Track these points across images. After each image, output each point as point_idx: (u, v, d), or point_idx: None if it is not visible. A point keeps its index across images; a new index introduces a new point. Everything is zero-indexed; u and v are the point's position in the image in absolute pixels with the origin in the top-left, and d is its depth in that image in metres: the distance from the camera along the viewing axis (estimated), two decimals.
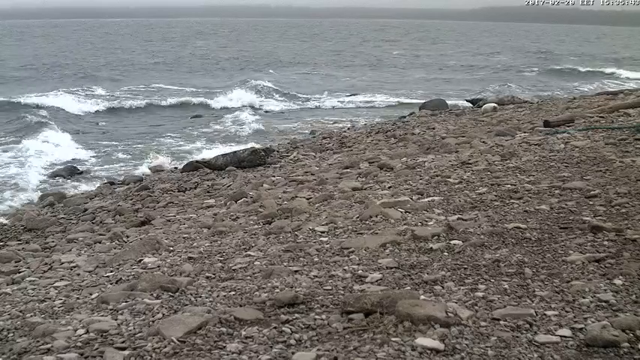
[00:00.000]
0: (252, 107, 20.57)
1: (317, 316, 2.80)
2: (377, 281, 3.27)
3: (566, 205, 4.50)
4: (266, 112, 20.28)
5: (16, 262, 5.37)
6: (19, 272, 4.88)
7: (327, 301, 3.00)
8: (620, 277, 3.02)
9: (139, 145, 13.97)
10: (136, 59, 39.57)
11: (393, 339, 2.47)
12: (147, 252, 4.66)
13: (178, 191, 8.73)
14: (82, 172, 11.45)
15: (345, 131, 13.20)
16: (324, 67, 36.01)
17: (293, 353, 2.44)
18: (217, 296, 3.26)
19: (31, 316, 3.29)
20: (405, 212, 4.74)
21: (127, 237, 5.82)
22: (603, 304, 2.73)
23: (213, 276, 3.73)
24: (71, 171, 11.40)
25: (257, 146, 11.04)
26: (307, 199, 5.98)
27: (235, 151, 10.60)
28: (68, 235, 6.51)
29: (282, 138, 14.03)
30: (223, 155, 10.56)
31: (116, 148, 13.74)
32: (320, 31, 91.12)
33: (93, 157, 12.93)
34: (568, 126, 8.77)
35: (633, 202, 4.41)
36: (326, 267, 3.62)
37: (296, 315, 2.84)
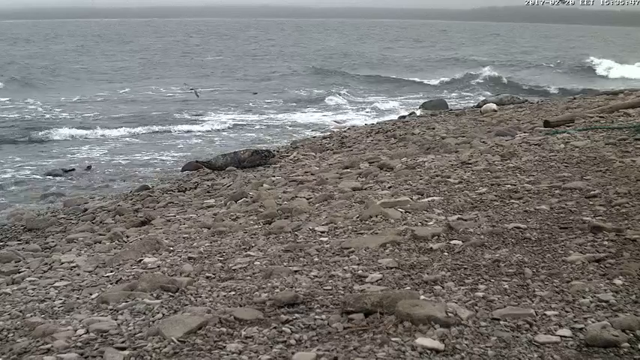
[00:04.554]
0: None
1: (317, 316, 2.80)
2: (377, 281, 3.27)
3: (566, 205, 4.50)
4: None
5: (16, 262, 5.37)
6: (19, 272, 4.87)
7: (327, 301, 3.00)
8: (620, 277, 3.02)
9: None
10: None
11: (393, 339, 2.47)
12: (147, 252, 4.66)
13: (178, 191, 8.75)
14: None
15: (345, 131, 13.20)
16: None
17: (293, 353, 2.43)
18: (217, 296, 3.26)
19: (31, 316, 3.29)
20: (405, 212, 4.73)
21: (127, 237, 5.82)
22: (603, 304, 2.72)
23: (213, 276, 3.73)
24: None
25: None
26: (307, 199, 5.98)
27: (236, 152, 10.67)
28: (68, 235, 6.51)
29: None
30: (223, 155, 10.61)
31: None
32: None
33: None
34: (568, 126, 8.78)
35: (633, 202, 4.41)
36: (326, 267, 3.62)
37: (296, 315, 2.84)
